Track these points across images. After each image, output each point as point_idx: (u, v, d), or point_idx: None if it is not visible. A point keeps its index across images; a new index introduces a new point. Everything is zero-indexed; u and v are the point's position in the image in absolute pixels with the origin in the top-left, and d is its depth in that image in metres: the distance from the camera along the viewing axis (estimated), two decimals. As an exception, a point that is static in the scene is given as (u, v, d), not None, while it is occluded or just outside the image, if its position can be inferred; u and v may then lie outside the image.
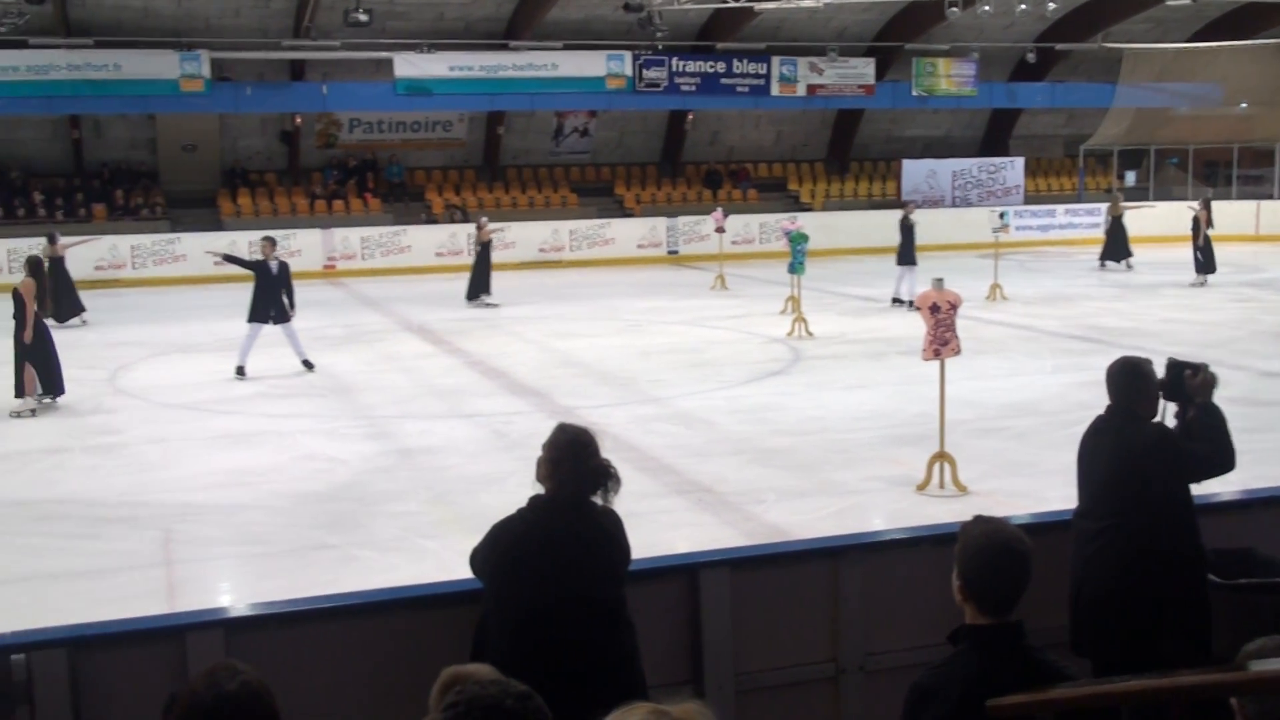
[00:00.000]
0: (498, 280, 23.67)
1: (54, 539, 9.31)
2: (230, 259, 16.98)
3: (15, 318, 13.91)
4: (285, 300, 15.91)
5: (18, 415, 13.54)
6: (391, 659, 4.25)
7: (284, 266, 16.11)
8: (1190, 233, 24.46)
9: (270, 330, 15.80)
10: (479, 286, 23.15)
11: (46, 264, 21.84)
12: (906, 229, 21.44)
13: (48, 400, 14.03)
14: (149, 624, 4.36)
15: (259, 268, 16.01)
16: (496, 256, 24.04)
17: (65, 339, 19.64)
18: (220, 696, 2.65)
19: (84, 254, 24.63)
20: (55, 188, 30.62)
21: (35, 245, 24.51)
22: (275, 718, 2.71)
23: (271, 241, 16.45)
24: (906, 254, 21.34)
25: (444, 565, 7.81)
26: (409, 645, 4.26)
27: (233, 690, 2.66)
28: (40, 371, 13.90)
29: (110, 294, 25.80)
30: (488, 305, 22.87)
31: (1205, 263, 24.03)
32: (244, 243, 27.67)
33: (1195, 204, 25.66)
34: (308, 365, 15.95)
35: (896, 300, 21.21)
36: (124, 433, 12.77)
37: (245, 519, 9.65)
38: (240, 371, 15.60)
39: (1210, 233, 24.25)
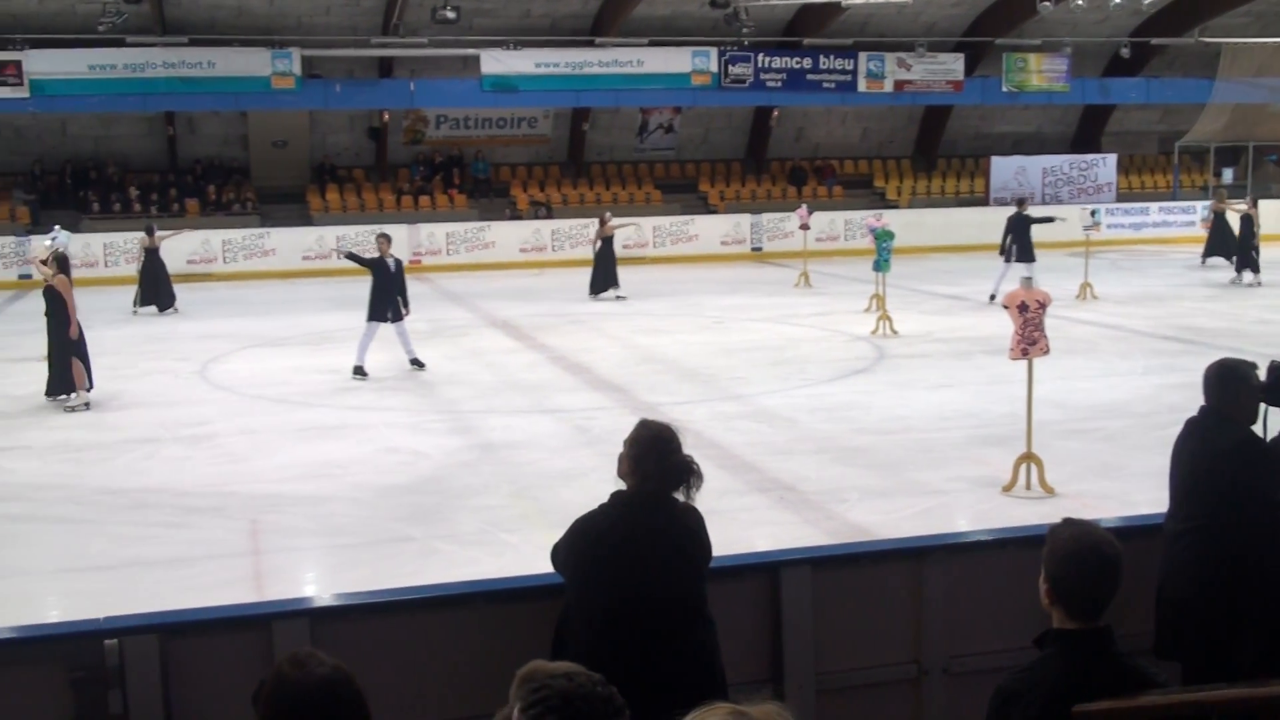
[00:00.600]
0: (584, 275, 23.89)
1: (145, 527, 9.49)
2: (350, 256, 16.72)
3: (48, 315, 13.82)
4: (399, 298, 15.71)
5: (71, 410, 13.63)
6: (472, 652, 4.27)
7: (400, 264, 15.93)
8: (1241, 231, 24.09)
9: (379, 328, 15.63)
10: (606, 280, 23.39)
11: (143, 255, 22.49)
12: (1023, 225, 21.16)
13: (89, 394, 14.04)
14: (237, 612, 4.43)
15: (377, 265, 15.65)
16: (585, 252, 24.13)
17: (157, 330, 20.17)
18: (310, 680, 2.69)
19: (177, 247, 25.16)
20: (150, 183, 31.29)
21: (132, 239, 25.18)
22: (362, 703, 2.74)
23: (387, 238, 16.05)
24: (1026, 250, 21.03)
25: (524, 559, 7.86)
26: (489, 638, 4.27)
27: (323, 675, 2.70)
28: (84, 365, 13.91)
29: (201, 287, 26.30)
30: (617, 298, 23.08)
31: (1255, 260, 23.79)
32: (331, 238, 28.14)
33: (1243, 203, 25.08)
34: (417, 364, 15.73)
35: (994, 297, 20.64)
36: (213, 424, 12.98)
37: (330, 510, 9.78)
38: (359, 371, 15.28)
39: (1259, 232, 24.07)
